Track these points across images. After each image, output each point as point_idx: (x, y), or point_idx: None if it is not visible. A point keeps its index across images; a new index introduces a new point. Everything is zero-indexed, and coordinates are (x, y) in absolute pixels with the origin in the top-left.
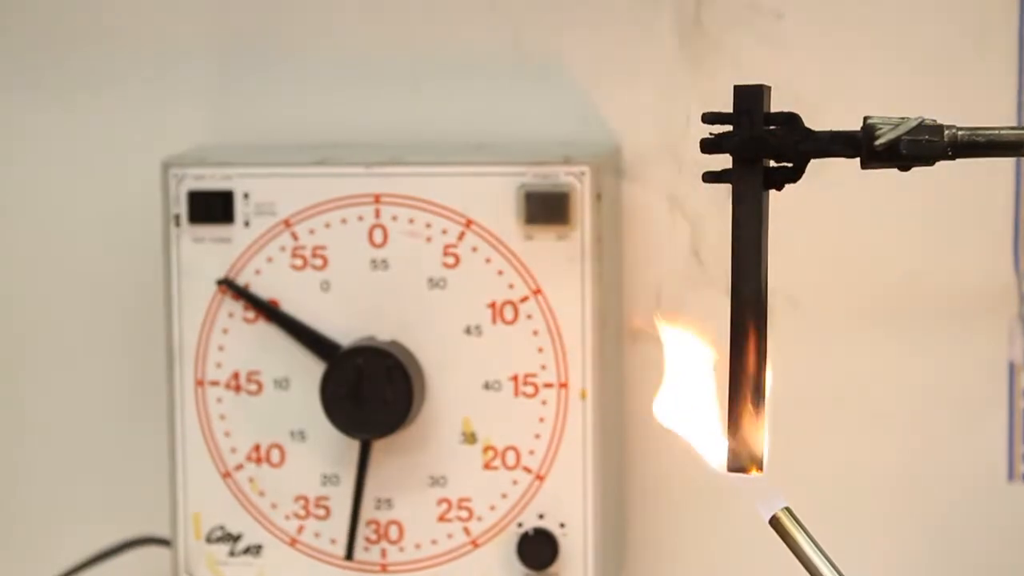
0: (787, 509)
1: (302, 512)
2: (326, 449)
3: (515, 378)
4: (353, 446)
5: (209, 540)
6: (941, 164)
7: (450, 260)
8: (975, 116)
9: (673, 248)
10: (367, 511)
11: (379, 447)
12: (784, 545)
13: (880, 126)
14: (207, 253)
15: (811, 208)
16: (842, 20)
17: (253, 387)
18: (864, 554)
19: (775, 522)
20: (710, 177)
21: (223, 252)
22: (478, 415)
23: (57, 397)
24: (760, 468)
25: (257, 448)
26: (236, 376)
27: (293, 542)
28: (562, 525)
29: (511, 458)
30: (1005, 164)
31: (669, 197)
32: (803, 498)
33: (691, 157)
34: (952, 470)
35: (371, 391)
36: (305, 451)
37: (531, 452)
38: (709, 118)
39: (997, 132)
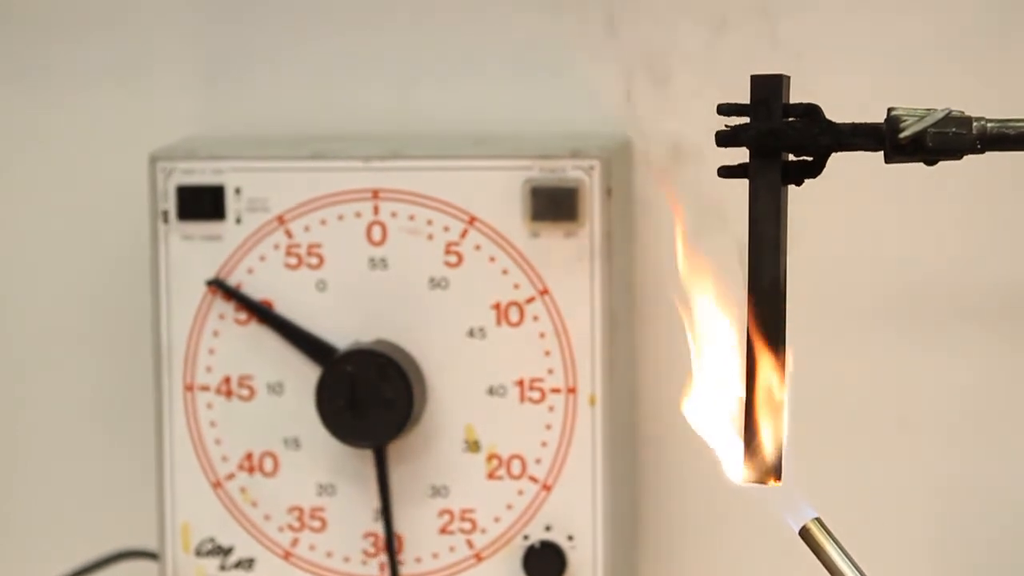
0: (817, 520)
1: (296, 524)
2: (321, 457)
3: (521, 383)
4: (350, 454)
5: (199, 553)
6: (971, 157)
7: (452, 259)
8: (1004, 108)
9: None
10: (365, 523)
11: None
12: (806, 559)
13: (905, 118)
14: (197, 251)
15: (837, 205)
16: (858, 8)
17: (245, 392)
18: (897, 568)
19: (805, 533)
20: (726, 172)
21: (213, 250)
22: (482, 422)
23: (39, 402)
24: (778, 478)
25: (249, 456)
26: (227, 381)
27: (287, 555)
28: (570, 538)
29: (516, 467)
30: None
31: (681, 193)
32: (831, 511)
33: (707, 150)
34: (990, 479)
35: (368, 395)
36: (300, 459)
37: (537, 461)
38: (725, 109)
39: None
